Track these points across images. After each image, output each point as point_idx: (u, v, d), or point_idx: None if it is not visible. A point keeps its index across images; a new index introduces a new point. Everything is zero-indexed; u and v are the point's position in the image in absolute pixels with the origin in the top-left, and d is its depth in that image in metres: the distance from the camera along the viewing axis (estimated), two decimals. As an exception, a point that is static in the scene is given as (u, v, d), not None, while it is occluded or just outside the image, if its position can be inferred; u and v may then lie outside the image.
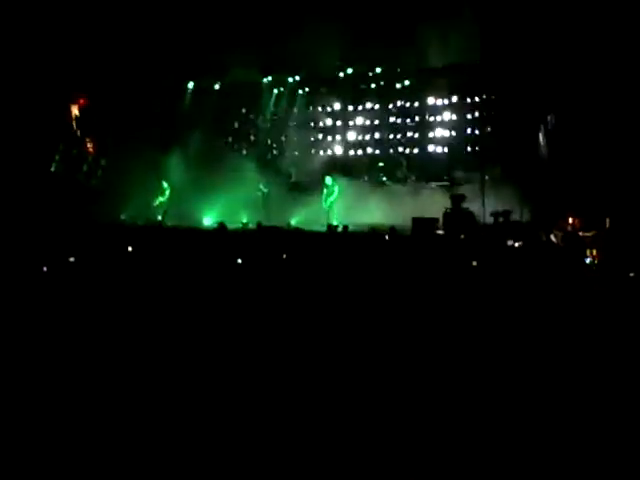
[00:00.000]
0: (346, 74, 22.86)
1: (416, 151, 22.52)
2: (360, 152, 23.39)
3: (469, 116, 21.72)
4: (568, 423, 4.78)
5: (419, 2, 18.77)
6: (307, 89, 23.76)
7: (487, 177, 18.47)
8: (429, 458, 4.34)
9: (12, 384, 5.50)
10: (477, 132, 21.61)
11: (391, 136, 22.94)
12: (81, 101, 22.79)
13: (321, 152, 23.94)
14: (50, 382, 5.57)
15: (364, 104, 23.27)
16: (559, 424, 4.76)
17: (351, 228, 16.48)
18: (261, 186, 21.07)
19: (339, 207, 19.69)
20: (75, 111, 22.83)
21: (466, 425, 4.77)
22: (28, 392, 5.32)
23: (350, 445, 4.50)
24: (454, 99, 21.89)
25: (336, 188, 19.67)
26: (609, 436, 4.56)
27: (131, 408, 5.07)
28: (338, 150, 23.75)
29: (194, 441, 4.55)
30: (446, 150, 21.97)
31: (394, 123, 22.90)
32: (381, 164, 22.84)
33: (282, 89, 24.02)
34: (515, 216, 16.81)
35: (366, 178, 22.54)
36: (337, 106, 23.61)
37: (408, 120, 22.73)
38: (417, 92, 22.48)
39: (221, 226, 15.59)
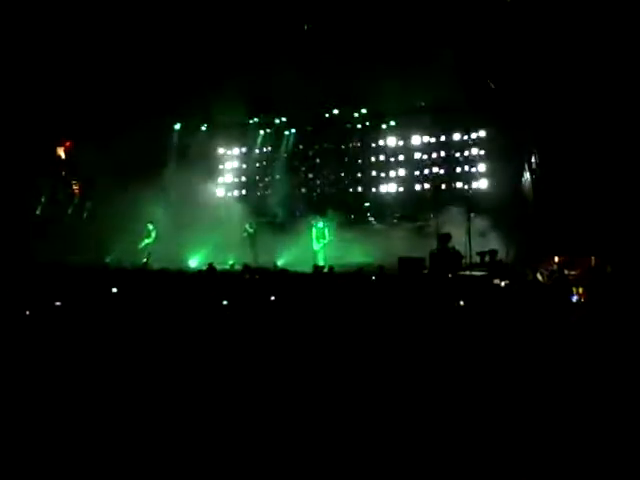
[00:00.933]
0: (332, 115, 23.14)
1: (401, 189, 22.69)
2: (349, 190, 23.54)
3: (456, 155, 21.98)
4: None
5: (402, 46, 19.04)
6: (293, 130, 23.98)
7: (473, 215, 18.60)
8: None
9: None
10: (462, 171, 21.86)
11: (374, 174, 23.16)
12: (67, 143, 22.83)
13: (307, 191, 24.03)
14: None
15: (349, 143, 23.51)
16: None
17: (338, 269, 16.47)
18: (247, 226, 21.08)
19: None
20: (61, 153, 22.85)
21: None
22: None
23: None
24: (438, 138, 22.18)
25: (326, 230, 19.70)
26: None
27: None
28: (325, 189, 23.85)
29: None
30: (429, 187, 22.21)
31: (378, 161, 23.10)
32: (367, 204, 22.98)
33: (268, 130, 24.24)
34: (500, 255, 16.94)
35: (352, 217, 22.64)
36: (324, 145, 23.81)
37: (392, 159, 22.93)
38: (402, 131, 22.75)
39: (210, 268, 15.54)
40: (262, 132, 24.35)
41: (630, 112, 16.57)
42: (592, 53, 16.71)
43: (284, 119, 23.65)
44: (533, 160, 19.20)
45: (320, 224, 19.96)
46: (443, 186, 21.92)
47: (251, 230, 21.09)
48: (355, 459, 4.63)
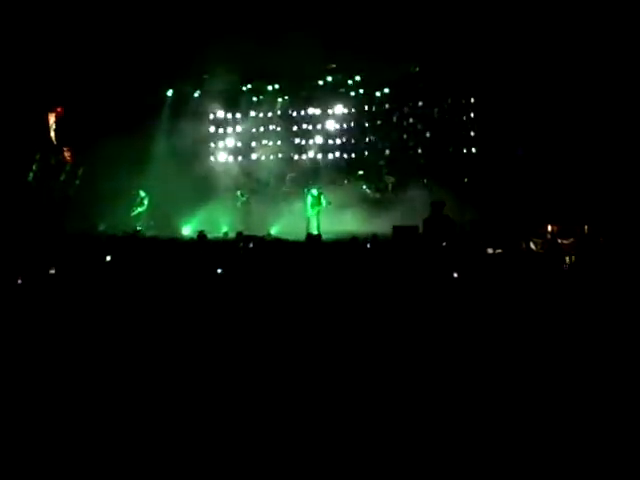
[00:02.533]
0: (325, 81, 22.92)
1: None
2: (339, 155, 23.41)
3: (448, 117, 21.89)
4: (548, 435, 4.78)
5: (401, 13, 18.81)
6: (286, 97, 23.75)
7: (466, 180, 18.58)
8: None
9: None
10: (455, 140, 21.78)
11: (371, 139, 22.99)
12: (58, 110, 22.58)
13: (301, 157, 23.88)
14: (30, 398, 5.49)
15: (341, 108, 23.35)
16: (539, 436, 4.76)
17: (331, 237, 16.45)
18: (239, 194, 20.98)
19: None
20: (52, 120, 22.61)
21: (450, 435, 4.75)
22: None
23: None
24: (430, 102, 22.03)
25: (323, 199, 19.62)
26: (595, 445, 4.56)
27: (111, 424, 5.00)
28: (318, 155, 23.71)
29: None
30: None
31: (374, 125, 22.93)
32: (361, 172, 22.87)
33: (261, 97, 23.99)
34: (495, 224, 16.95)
35: (346, 182, 22.54)
36: (316, 111, 23.60)
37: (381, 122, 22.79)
38: (394, 96, 22.54)
39: (201, 235, 15.49)
40: (255, 99, 24.09)
41: (625, 80, 16.50)
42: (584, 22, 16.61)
43: (277, 86, 23.41)
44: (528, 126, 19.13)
45: (314, 191, 19.87)
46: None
47: (243, 198, 21.03)
48: (349, 443, 4.64)
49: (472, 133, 21.39)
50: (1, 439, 4.64)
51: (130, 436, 4.72)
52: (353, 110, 23.22)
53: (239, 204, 20.89)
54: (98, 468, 4.25)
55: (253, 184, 22.45)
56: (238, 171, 23.26)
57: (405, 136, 22.51)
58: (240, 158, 24.28)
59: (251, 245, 14.26)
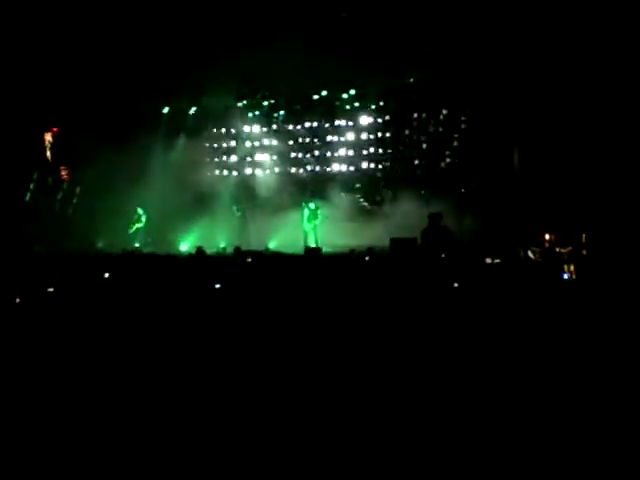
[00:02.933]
0: (320, 96, 23.00)
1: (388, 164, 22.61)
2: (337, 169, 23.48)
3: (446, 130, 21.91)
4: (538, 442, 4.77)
5: (392, 25, 18.91)
6: (282, 112, 23.81)
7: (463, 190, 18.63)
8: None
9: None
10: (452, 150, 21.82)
11: (365, 152, 23.02)
12: (54, 129, 22.64)
13: (299, 171, 23.90)
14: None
15: (335, 122, 23.39)
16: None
17: (330, 250, 16.46)
18: (234, 209, 20.94)
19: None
20: (49, 139, 22.66)
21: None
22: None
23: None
24: (426, 114, 22.08)
25: (320, 212, 19.64)
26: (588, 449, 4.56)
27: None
28: (316, 168, 23.70)
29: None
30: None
31: (368, 139, 22.98)
32: (358, 185, 22.88)
33: (257, 112, 24.05)
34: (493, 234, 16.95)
35: (343, 195, 22.57)
36: (313, 124, 23.65)
37: (380, 135, 22.79)
38: (391, 108, 22.63)
39: (199, 251, 15.52)
40: (250, 114, 24.15)
41: (621, 88, 16.58)
42: (578, 30, 16.69)
43: (272, 101, 23.48)
44: (524, 135, 19.22)
45: (312, 205, 19.89)
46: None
47: (238, 214, 20.99)
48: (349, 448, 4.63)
49: (468, 143, 21.41)
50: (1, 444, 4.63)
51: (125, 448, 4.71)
52: (351, 123, 23.26)
53: (235, 220, 20.86)
54: (98, 469, 4.23)
55: (250, 199, 22.42)
56: (235, 186, 23.26)
57: (401, 148, 22.52)
58: (236, 173, 24.29)
59: (249, 260, 14.25)
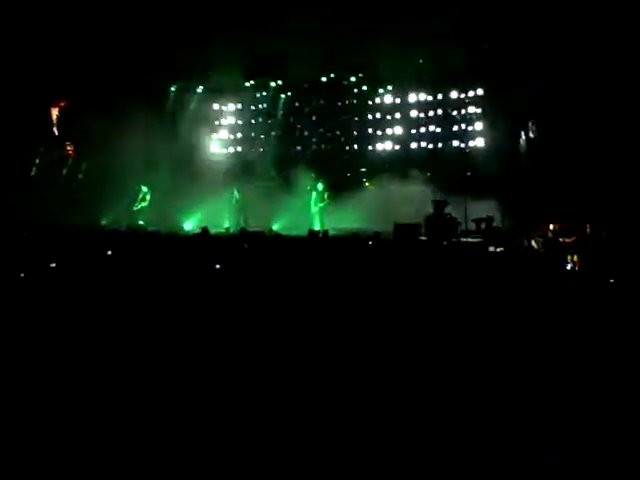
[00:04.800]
0: (328, 78, 22.88)
1: (397, 147, 22.50)
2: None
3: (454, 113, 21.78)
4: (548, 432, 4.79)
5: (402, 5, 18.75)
6: (289, 93, 23.70)
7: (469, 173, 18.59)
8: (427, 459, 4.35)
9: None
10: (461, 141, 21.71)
11: (370, 131, 22.91)
12: (61, 104, 22.60)
13: (302, 149, 23.82)
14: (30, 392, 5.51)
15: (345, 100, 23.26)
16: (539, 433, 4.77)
17: (332, 233, 16.41)
18: (235, 192, 20.83)
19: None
20: (55, 114, 22.63)
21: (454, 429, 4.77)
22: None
23: (349, 445, 4.50)
24: (435, 96, 21.98)
25: (326, 194, 19.57)
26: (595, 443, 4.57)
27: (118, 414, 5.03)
28: (321, 147, 23.60)
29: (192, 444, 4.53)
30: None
31: (374, 119, 22.87)
32: (363, 169, 22.78)
33: (264, 93, 23.95)
34: (497, 222, 16.94)
35: (348, 174, 22.47)
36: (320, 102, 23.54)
37: (389, 116, 22.67)
38: (399, 89, 22.50)
39: (204, 231, 15.51)
40: (258, 95, 24.06)
41: (630, 77, 16.46)
42: (594, 15, 16.53)
43: (280, 82, 23.37)
44: (530, 124, 19.11)
45: (319, 186, 19.79)
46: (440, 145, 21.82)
47: (237, 196, 20.89)
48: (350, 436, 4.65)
49: (475, 128, 21.26)
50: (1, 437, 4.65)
51: (130, 430, 4.74)
52: (355, 102, 23.11)
53: (234, 201, 20.75)
54: (98, 467, 4.25)
55: (255, 178, 22.31)
56: (240, 165, 23.21)
57: (408, 130, 22.37)
58: (241, 148, 24.22)
59: (246, 246, 14.22)
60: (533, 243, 14.28)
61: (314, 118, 23.67)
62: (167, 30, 19.83)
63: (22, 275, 10.64)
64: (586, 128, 16.80)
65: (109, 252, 13.20)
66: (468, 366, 6.25)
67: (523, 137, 19.39)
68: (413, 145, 22.29)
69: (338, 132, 23.49)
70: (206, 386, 5.70)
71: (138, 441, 4.58)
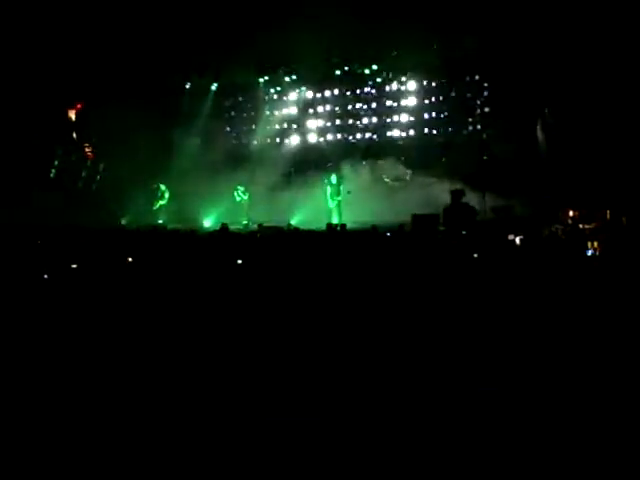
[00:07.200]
0: (343, 71, 22.80)
1: (412, 132, 22.40)
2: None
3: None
4: (570, 422, 4.77)
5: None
6: (303, 88, 23.66)
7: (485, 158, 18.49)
8: (429, 458, 4.34)
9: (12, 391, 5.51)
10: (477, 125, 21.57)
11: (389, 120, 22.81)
12: (78, 105, 22.76)
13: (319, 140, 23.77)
14: (50, 389, 5.57)
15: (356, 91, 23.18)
16: (561, 422, 4.74)
17: (351, 226, 16.42)
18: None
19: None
20: (72, 116, 22.80)
21: (466, 424, 4.76)
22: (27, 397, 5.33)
23: (350, 445, 4.49)
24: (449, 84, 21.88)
25: (342, 188, 19.53)
26: (614, 434, 4.54)
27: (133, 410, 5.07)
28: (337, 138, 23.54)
29: (193, 441, 4.56)
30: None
31: (391, 106, 22.77)
32: (382, 162, 22.66)
33: (278, 88, 23.93)
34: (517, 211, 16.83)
35: (364, 163, 22.38)
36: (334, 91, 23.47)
37: (402, 103, 22.54)
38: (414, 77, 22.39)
39: (223, 227, 15.59)
40: (272, 90, 24.05)
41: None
42: (608, 9, 16.37)
43: (294, 77, 23.34)
44: (546, 112, 18.97)
45: (334, 180, 19.77)
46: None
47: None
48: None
49: (489, 113, 21.10)
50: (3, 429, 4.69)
51: (137, 427, 4.76)
52: (374, 92, 23.01)
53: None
54: (98, 466, 4.26)
55: (274, 173, 22.29)
56: (257, 161, 23.25)
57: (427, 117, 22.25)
58: (256, 144, 24.22)
59: (258, 235, 14.22)
60: (553, 230, 14.18)
61: (328, 108, 23.51)
62: (181, 29, 19.85)
63: (45, 277, 10.76)
64: (603, 113, 16.64)
65: (130, 253, 13.28)
66: (484, 355, 6.25)
67: (540, 123, 19.22)
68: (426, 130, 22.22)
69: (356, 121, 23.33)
70: (215, 382, 5.72)
71: (139, 440, 4.62)
